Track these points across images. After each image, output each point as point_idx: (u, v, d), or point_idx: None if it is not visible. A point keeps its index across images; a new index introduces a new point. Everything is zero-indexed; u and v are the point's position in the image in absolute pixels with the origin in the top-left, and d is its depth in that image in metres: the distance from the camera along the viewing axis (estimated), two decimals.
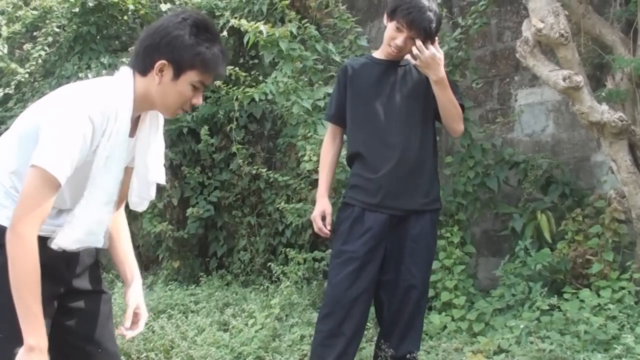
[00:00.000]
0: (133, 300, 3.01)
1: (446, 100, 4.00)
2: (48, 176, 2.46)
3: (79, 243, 2.70)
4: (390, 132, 4.01)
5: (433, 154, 4.15)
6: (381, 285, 4.07)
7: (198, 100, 2.77)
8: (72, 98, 2.59)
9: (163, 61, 2.63)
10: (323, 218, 4.13)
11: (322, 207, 4.15)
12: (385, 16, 4.07)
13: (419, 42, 3.87)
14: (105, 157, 2.63)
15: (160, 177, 2.96)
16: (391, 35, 3.99)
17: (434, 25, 3.90)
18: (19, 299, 2.47)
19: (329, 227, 4.11)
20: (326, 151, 4.26)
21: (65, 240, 2.64)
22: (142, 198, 2.91)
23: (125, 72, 2.73)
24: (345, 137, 4.29)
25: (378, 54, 4.18)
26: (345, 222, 4.06)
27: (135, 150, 2.83)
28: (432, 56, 3.88)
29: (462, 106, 4.10)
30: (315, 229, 4.16)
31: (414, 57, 3.90)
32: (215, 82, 6.61)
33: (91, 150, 2.59)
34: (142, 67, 2.68)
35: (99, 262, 3.02)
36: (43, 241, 2.62)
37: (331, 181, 4.31)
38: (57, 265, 2.71)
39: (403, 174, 4.00)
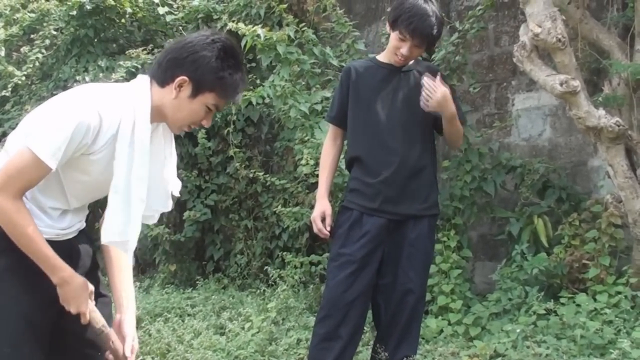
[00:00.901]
0: (132, 331, 2.97)
1: (454, 130, 4.08)
2: (39, 161, 2.49)
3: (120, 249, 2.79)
4: (391, 136, 4.02)
5: (432, 160, 4.16)
6: (378, 289, 4.08)
7: (208, 122, 2.81)
8: (85, 93, 2.62)
9: (184, 77, 2.66)
10: (323, 219, 4.13)
11: (322, 208, 4.15)
12: (387, 24, 4.09)
13: (428, 83, 3.89)
14: (129, 164, 2.65)
15: (177, 188, 2.99)
16: (396, 45, 4.00)
17: (435, 30, 3.92)
18: (28, 251, 2.57)
19: (328, 228, 4.12)
20: (327, 152, 4.27)
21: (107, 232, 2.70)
22: (155, 210, 2.91)
23: (143, 81, 2.75)
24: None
25: (382, 57, 4.18)
26: (343, 225, 4.07)
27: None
28: (444, 96, 3.90)
29: (463, 120, 4.16)
30: (315, 230, 4.16)
31: (425, 99, 3.93)
32: None
33: (95, 148, 2.60)
34: (162, 79, 2.71)
35: (97, 265, 3.02)
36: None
37: (331, 182, 4.31)
38: None
39: (403, 179, 4.01)
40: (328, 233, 4.13)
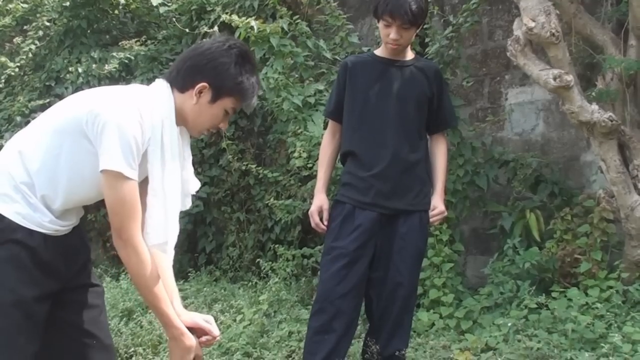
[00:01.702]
0: (191, 316, 3.00)
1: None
2: (125, 178, 2.55)
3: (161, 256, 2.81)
4: (385, 131, 4.03)
5: (426, 155, 4.17)
6: (371, 283, 4.09)
7: (225, 125, 2.91)
8: (121, 102, 2.61)
9: (204, 84, 2.73)
10: (320, 214, 4.15)
11: (319, 202, 4.17)
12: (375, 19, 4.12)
13: (432, 219, 4.16)
14: (162, 166, 2.70)
15: (196, 187, 3.08)
16: (384, 33, 4.02)
17: (415, 6, 3.90)
18: (147, 301, 2.79)
19: (325, 223, 4.13)
20: (325, 147, 4.28)
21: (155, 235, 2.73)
22: None
23: (163, 85, 2.79)
24: None
25: (380, 52, 4.20)
26: (336, 219, 4.08)
27: None
28: (443, 215, 4.21)
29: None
30: (312, 225, 4.18)
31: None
32: None
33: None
34: (182, 85, 2.77)
35: (89, 257, 3.02)
36: (46, 238, 2.65)
37: (330, 177, 4.31)
38: (56, 263, 2.73)
39: (395, 174, 4.02)
40: (325, 228, 4.14)
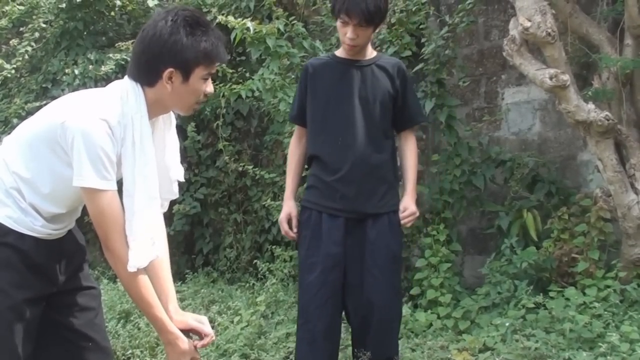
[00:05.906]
0: (185, 318, 3.02)
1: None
2: (100, 192, 2.57)
3: (149, 257, 2.75)
4: (348, 133, 3.95)
5: (390, 159, 4.09)
6: (347, 290, 3.99)
7: (210, 89, 2.80)
8: (88, 114, 2.58)
9: (170, 69, 2.65)
10: (290, 221, 4.13)
11: (287, 210, 4.14)
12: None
13: (403, 220, 4.04)
14: (133, 165, 2.66)
15: (180, 174, 3.01)
16: (341, 32, 3.92)
17: (372, 4, 3.77)
18: (140, 308, 2.82)
19: (294, 230, 4.10)
20: (292, 153, 4.25)
21: (138, 259, 2.68)
22: (164, 199, 2.91)
23: (129, 83, 2.72)
24: None
25: (340, 52, 4.10)
26: (305, 227, 4.04)
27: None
28: (415, 216, 4.08)
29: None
30: (282, 232, 4.15)
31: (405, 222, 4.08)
32: None
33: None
34: (148, 80, 2.70)
35: (85, 259, 3.02)
36: (38, 242, 2.65)
37: (298, 183, 4.28)
38: (51, 266, 2.74)
39: (359, 177, 3.94)
40: (294, 235, 4.10)
